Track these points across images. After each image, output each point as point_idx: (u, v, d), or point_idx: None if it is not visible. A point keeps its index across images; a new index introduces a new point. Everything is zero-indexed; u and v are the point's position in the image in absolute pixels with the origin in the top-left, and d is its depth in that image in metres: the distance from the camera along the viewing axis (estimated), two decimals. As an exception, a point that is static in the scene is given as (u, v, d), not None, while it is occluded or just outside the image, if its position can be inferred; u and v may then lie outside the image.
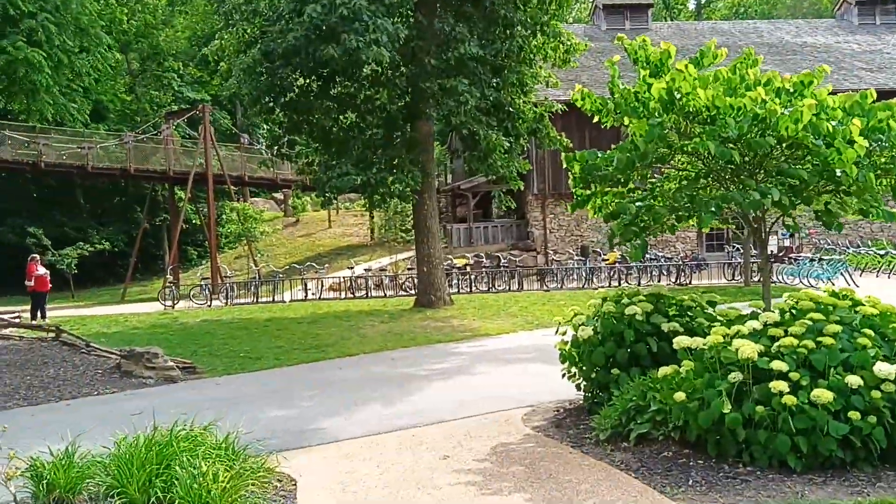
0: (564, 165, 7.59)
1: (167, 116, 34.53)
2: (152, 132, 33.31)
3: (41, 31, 12.89)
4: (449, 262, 24.91)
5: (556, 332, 7.89)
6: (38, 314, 20.81)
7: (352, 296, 24.23)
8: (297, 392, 10.10)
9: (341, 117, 19.27)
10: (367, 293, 24.27)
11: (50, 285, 21.32)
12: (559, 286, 23.90)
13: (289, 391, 10.21)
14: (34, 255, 21.28)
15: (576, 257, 27.19)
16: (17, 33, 12.91)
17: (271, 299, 24.46)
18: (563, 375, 7.84)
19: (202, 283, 26.85)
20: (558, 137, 20.21)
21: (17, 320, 20.28)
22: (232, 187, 34.01)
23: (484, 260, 26.89)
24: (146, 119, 38.73)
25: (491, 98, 18.34)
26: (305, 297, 24.50)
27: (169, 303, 24.56)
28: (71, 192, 40.52)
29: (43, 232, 33.68)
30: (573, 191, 7.73)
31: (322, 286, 25.25)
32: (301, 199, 48.08)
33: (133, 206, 41.95)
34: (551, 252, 28.65)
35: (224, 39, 19.42)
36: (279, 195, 49.24)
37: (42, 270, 20.88)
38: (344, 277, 25.67)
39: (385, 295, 23.91)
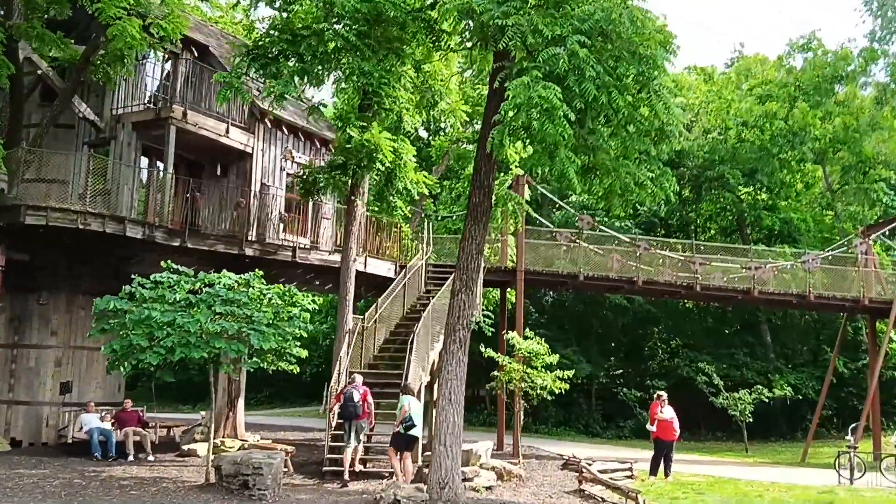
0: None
1: (865, 231, 27.07)
2: (845, 250, 26.45)
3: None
4: None
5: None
6: (660, 468, 16.24)
7: None
8: None
9: None
10: None
11: (678, 433, 16.54)
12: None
13: None
14: (660, 394, 16.89)
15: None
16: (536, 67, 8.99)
17: None
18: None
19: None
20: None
21: (630, 473, 16.00)
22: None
23: None
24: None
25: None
26: None
27: (846, 474, 17.26)
28: (756, 330, 35.79)
29: (715, 370, 29.44)
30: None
31: None
32: None
33: (825, 347, 34.73)
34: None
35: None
36: None
37: (668, 414, 16.30)
38: None
39: None
